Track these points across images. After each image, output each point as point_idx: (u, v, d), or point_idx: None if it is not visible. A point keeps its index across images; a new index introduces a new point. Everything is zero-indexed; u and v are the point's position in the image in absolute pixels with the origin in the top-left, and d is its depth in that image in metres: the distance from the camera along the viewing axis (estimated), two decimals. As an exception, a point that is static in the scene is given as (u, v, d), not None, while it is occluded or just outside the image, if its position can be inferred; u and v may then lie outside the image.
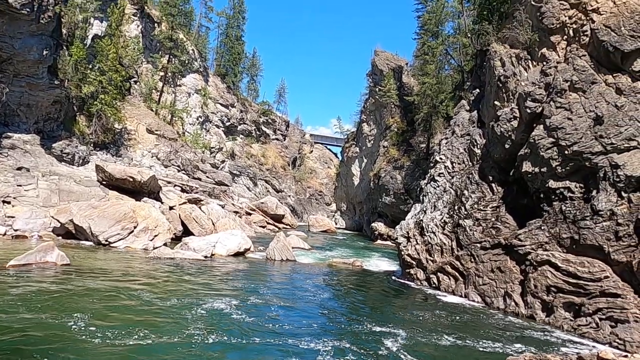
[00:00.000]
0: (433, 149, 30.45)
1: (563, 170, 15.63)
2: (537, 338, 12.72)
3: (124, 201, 25.15)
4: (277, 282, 17.87)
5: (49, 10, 29.41)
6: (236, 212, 39.67)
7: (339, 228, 59.88)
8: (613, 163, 14.31)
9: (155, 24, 55.18)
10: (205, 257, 21.07)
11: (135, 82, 49.82)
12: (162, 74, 54.64)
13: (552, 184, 15.87)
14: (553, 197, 15.83)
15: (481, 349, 11.32)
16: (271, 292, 15.68)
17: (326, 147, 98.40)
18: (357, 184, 59.23)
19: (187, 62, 58.17)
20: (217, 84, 66.45)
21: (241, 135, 69.72)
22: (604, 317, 13.02)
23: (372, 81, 56.62)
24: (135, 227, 21.99)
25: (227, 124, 66.77)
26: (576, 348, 11.86)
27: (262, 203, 48.34)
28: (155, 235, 22.43)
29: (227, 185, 50.52)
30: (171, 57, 55.26)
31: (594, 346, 12.12)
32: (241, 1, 74.66)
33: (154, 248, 21.03)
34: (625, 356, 7.22)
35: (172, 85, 57.36)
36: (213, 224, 27.99)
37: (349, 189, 62.06)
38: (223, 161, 63.23)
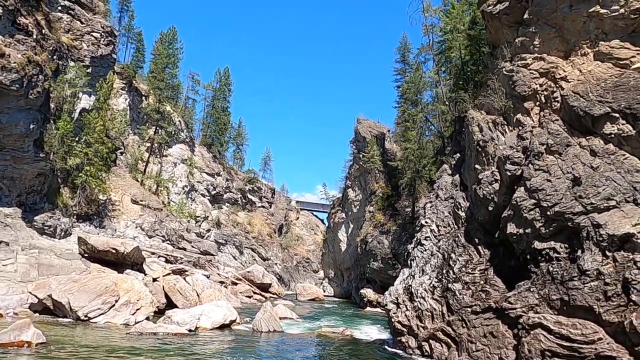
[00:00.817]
0: (418, 213, 30.67)
1: (547, 230, 15.80)
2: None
3: (105, 274, 24.48)
4: (265, 357, 17.15)
5: (38, 85, 30.09)
6: (222, 282, 38.73)
7: (327, 296, 58.57)
8: (595, 223, 14.54)
9: (143, 97, 56.62)
10: (190, 330, 20.28)
11: (122, 153, 50.22)
12: (148, 145, 55.29)
13: (537, 244, 15.97)
14: (539, 257, 15.87)
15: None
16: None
17: (312, 213, 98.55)
18: (345, 250, 58.76)
19: (173, 133, 59.17)
20: (203, 154, 67.29)
21: (227, 204, 69.66)
22: (602, 381, 12.65)
23: (355, 148, 57.93)
24: (116, 301, 21.25)
25: (213, 192, 66.89)
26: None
27: (248, 272, 47.41)
28: (138, 309, 21.64)
29: (212, 255, 49.68)
30: (158, 128, 56.20)
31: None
32: (227, 74, 77.48)
33: (136, 322, 20.22)
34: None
35: (158, 156, 57.90)
36: (198, 295, 27.21)
37: (336, 255, 61.45)
38: (209, 230, 62.64)
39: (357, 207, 56.23)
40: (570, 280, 14.53)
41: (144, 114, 55.76)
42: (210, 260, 47.04)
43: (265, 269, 53.29)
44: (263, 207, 79.68)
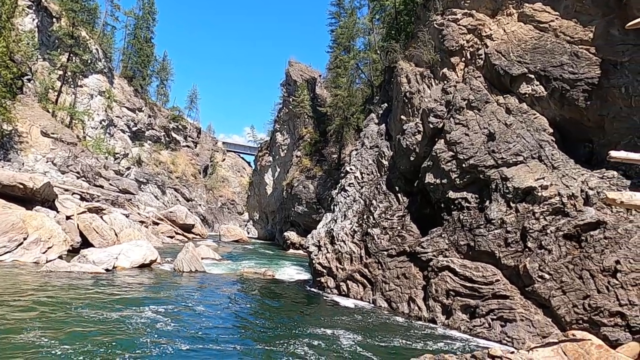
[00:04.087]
0: (344, 160, 31.31)
1: (461, 182, 16.85)
2: (437, 339, 13.49)
3: (12, 210, 22.83)
4: (186, 294, 17.21)
5: None
6: (142, 222, 37.70)
7: (251, 237, 59.22)
8: (503, 176, 15.69)
9: (54, 19, 51.16)
10: (107, 270, 19.74)
11: (29, 80, 45.70)
12: (60, 73, 50.67)
13: (451, 194, 17.03)
14: (452, 206, 16.98)
15: (386, 350, 11.78)
16: (179, 303, 15.08)
17: (239, 155, 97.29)
18: (270, 193, 59.13)
19: (89, 61, 54.57)
20: (123, 87, 63.04)
21: (149, 142, 66.63)
22: (495, 317, 14.14)
23: (286, 91, 57.09)
24: (25, 239, 20.03)
25: (134, 129, 63.51)
26: (471, 347, 12.74)
27: (170, 212, 46.45)
28: (49, 247, 20.59)
29: (132, 194, 47.88)
30: (72, 55, 51.49)
31: (486, 345, 13.11)
32: (151, 1, 71.75)
33: (48, 261, 19.29)
34: (512, 352, 7.89)
35: (72, 86, 53.42)
36: (116, 234, 26.34)
37: (262, 198, 61.74)
38: (129, 168, 59.95)
39: (285, 151, 56.24)
40: (477, 227, 15.78)
41: (55, 37, 50.60)
42: (130, 200, 45.38)
43: (189, 210, 52.50)
44: (188, 146, 77.22)
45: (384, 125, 22.86)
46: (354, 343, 12.35)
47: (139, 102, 65.11)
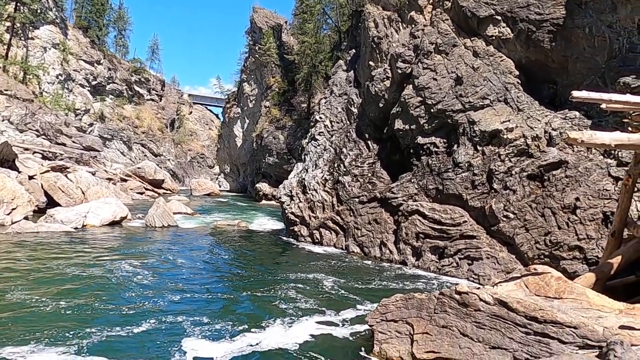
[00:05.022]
0: (313, 109, 31.00)
1: (429, 127, 16.99)
2: (408, 279, 14.04)
3: (-30, 172, 21.92)
4: (161, 248, 17.22)
5: None
6: (110, 179, 36.92)
7: (223, 190, 59.00)
8: (470, 120, 15.89)
9: (-5, -35, 47.21)
10: (76, 228, 19.46)
11: (-26, 33, 42.65)
12: (8, 24, 47.41)
13: (420, 140, 17.21)
14: (421, 152, 17.21)
15: (362, 291, 12.22)
16: (156, 257, 15.11)
17: (206, 107, 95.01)
18: (240, 145, 58.47)
19: (39, 11, 51.13)
20: (78, 38, 59.71)
21: (111, 96, 64.12)
22: (462, 256, 14.75)
23: (251, 39, 55.25)
24: (-14, 201, 19.39)
25: (94, 83, 60.83)
26: (440, 285, 13.32)
27: (138, 168, 45.56)
28: (13, 209, 20.03)
29: (97, 151, 46.51)
30: (19, 4, 48.05)
31: (455, 282, 13.73)
32: (102, -56, 66.83)
33: (13, 222, 18.83)
34: (478, 288, 8.28)
35: (22, 38, 50.23)
36: (83, 192, 25.77)
37: (232, 150, 61.06)
38: (91, 124, 57.92)
39: (253, 101, 55.17)
40: (445, 171, 16.11)
41: (-2, -15, 46.92)
42: (96, 157, 44.15)
43: (158, 165, 51.60)
44: (152, 100, 74.76)
45: (352, 72, 22.56)
46: (334, 285, 12.78)
47: (97, 55, 62.00)
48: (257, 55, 52.05)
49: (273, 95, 48.74)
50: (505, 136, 14.95)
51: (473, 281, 13.76)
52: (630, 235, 9.71)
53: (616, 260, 9.26)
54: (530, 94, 15.68)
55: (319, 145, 21.90)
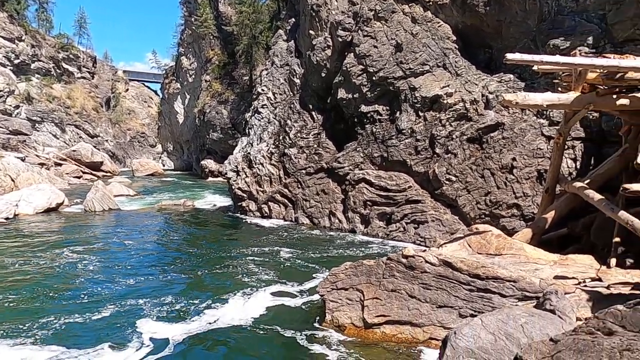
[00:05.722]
0: (255, 81, 30.30)
1: (372, 95, 17.05)
2: (358, 247, 14.29)
3: None
4: (104, 232, 16.52)
5: None
6: (42, 164, 34.80)
7: (167, 170, 57.25)
8: (411, 86, 16.07)
9: None
10: (7, 219, 18.25)
11: None
12: None
13: (363, 108, 17.26)
14: (365, 120, 17.29)
15: (312, 261, 12.32)
16: (100, 242, 14.48)
17: (144, 84, 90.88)
18: (182, 122, 56.60)
19: (-55, -17, 46.35)
20: (-6, 13, 54.85)
21: (37, 75, 59.82)
22: (409, 221, 15.14)
23: (186, 10, 52.84)
24: None
25: (16, 61, 56.42)
26: (388, 251, 13.64)
27: (74, 151, 43.18)
28: None
29: (26, 134, 43.63)
30: None
31: (403, 247, 14.08)
32: None
33: None
34: (424, 250, 8.51)
35: None
36: (12, 180, 24.14)
37: (174, 127, 59.03)
38: (17, 107, 53.95)
39: (193, 76, 53.24)
40: (389, 139, 16.30)
41: None
42: (24, 141, 41.42)
43: (95, 147, 49.15)
44: (84, 78, 70.50)
45: (293, 41, 22.11)
46: (286, 257, 12.87)
47: (17, 30, 57.29)
48: (193, 27, 49.97)
49: (213, 69, 47.18)
50: (445, 101, 15.25)
51: (420, 244, 14.18)
52: (562, 191, 10.26)
53: (550, 215, 9.79)
54: (468, 59, 16.01)
55: (262, 118, 21.52)
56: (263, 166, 20.12)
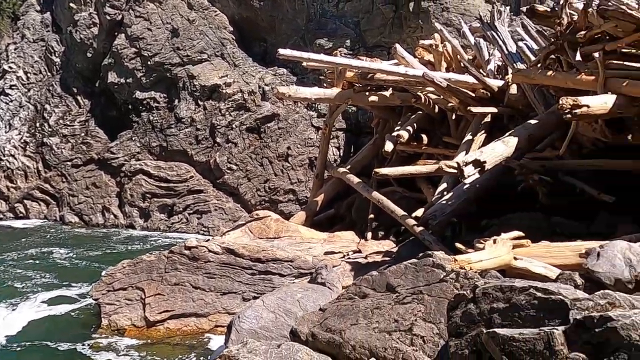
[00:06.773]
0: (0, 56, 25.38)
1: (147, 80, 16.18)
2: (137, 242, 13.47)
3: None
4: None
5: None
6: None
7: None
8: (190, 74, 15.79)
9: None
10: None
11: None
12: None
13: (138, 94, 16.25)
14: (141, 107, 16.30)
15: (84, 262, 11.20)
16: None
17: None
18: None
19: None
20: None
21: None
22: (192, 211, 14.96)
23: None
24: None
25: None
26: (170, 243, 13.19)
27: None
28: None
29: None
30: None
31: (186, 238, 13.81)
32: None
33: None
34: (208, 240, 8.53)
35: None
36: None
37: None
38: None
39: None
40: (168, 127, 15.75)
41: None
42: None
43: None
44: None
45: (49, 13, 19.21)
46: (53, 261, 11.42)
47: None
48: None
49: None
50: (224, 91, 15.44)
51: (204, 234, 14.11)
52: (329, 176, 11.53)
53: (320, 198, 10.91)
54: (245, 51, 16.48)
55: (12, 101, 18.20)
56: (15, 158, 17.11)
